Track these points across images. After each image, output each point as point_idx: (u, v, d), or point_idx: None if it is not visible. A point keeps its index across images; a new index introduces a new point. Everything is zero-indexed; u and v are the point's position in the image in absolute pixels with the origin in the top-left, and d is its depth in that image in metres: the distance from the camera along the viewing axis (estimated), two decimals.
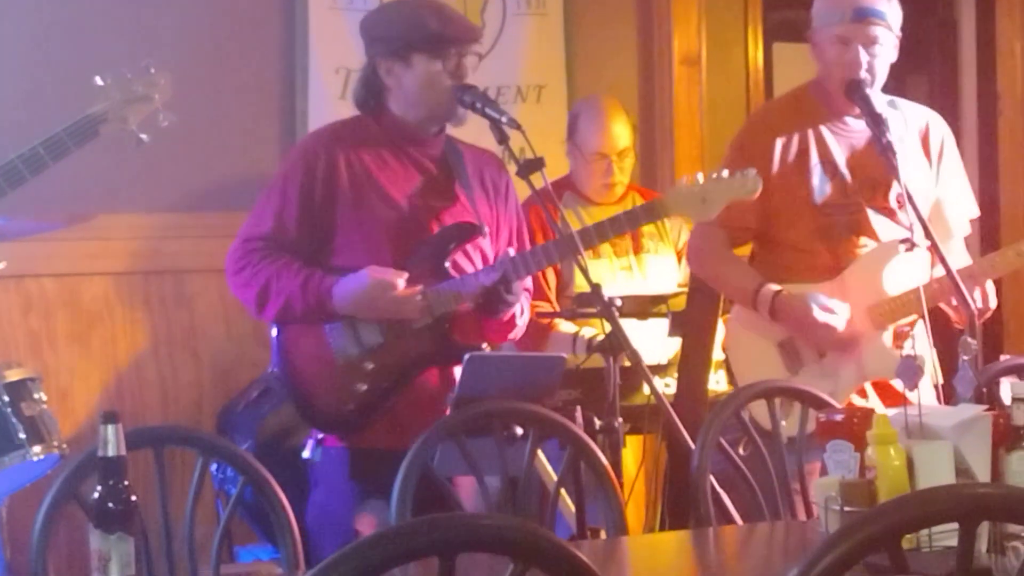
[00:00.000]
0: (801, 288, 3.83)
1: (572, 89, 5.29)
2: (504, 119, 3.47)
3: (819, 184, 3.86)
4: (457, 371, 3.47)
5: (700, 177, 3.59)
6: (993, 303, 3.86)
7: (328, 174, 3.57)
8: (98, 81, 3.52)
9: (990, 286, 3.85)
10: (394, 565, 1.65)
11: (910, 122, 3.96)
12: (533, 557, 1.73)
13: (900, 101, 3.99)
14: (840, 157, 3.87)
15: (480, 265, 3.64)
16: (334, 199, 3.57)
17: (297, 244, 3.58)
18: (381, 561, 1.65)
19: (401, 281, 3.52)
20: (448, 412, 3.47)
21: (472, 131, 3.71)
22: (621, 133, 4.67)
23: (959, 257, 3.92)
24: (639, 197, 4.74)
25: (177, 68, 3.81)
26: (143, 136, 3.48)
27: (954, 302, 3.73)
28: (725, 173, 3.61)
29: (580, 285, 4.39)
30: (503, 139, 3.49)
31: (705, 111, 5.46)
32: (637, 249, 4.68)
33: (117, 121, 3.45)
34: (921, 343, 3.64)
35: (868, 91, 3.77)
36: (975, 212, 4.09)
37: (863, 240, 3.87)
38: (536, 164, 3.41)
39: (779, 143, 3.86)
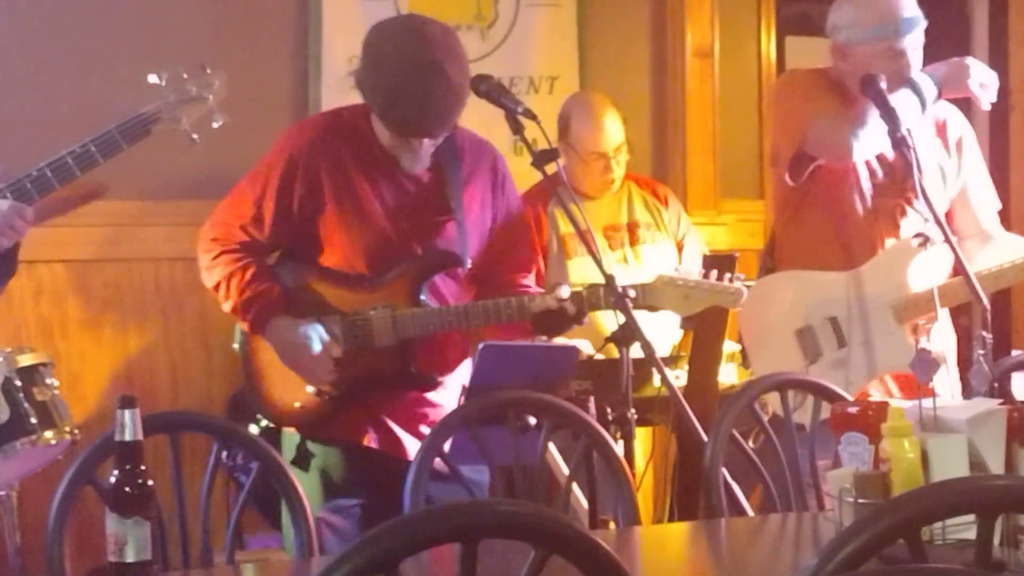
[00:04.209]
0: (816, 276, 3.89)
1: (584, 81, 5.29)
2: (519, 109, 3.45)
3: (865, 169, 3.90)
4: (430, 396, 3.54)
5: (689, 278, 3.55)
6: None
7: (311, 180, 3.52)
8: (152, 79, 3.49)
9: None
10: (417, 550, 1.66)
11: (927, 112, 3.96)
12: (556, 545, 1.73)
13: None
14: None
15: (455, 289, 3.60)
16: (315, 205, 3.52)
17: (271, 238, 3.57)
18: (404, 547, 1.66)
19: (333, 351, 3.50)
20: (460, 401, 3.48)
21: (486, 121, 3.71)
22: (616, 130, 4.65)
23: (1005, 241, 3.95)
24: (635, 187, 4.76)
25: (190, 56, 3.79)
26: (195, 136, 3.46)
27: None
28: (713, 277, 3.55)
29: (575, 282, 4.37)
30: (518, 129, 3.47)
31: (718, 104, 5.46)
32: (633, 241, 4.69)
33: (170, 121, 3.42)
34: (943, 338, 3.64)
35: (883, 85, 3.77)
36: (998, 204, 4.11)
37: (889, 231, 3.91)
38: (551, 155, 3.41)
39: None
